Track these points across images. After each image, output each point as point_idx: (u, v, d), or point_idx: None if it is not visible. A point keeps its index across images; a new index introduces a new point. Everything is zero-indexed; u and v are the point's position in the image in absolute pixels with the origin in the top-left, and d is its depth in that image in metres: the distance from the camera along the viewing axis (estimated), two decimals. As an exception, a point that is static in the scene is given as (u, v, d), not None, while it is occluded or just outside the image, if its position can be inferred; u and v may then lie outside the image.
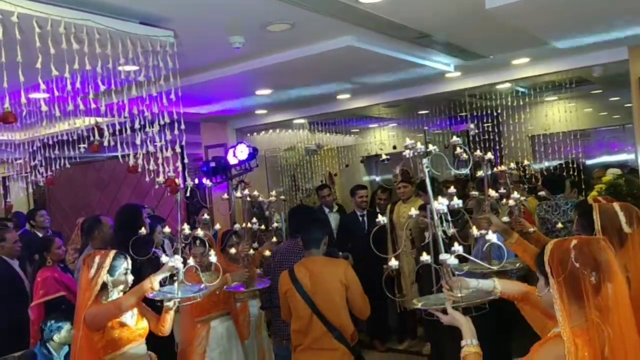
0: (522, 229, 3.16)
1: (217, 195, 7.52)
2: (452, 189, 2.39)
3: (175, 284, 3.04)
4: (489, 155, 2.95)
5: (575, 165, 6.52)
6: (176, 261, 2.95)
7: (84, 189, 8.64)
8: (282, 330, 3.87)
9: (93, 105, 2.84)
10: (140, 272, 3.30)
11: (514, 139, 6.64)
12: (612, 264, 1.69)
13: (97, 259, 3.03)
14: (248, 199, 4.02)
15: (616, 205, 2.56)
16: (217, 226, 3.84)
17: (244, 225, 3.61)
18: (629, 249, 2.44)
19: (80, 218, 6.42)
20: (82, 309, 2.97)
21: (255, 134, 7.99)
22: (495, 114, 6.83)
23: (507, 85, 5.99)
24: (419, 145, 2.37)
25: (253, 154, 6.60)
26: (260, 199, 4.21)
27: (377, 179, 10.06)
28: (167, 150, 2.80)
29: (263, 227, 3.91)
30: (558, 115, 7.00)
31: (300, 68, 4.42)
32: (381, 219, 2.49)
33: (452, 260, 2.09)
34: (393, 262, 2.38)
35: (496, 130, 7.01)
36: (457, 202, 2.20)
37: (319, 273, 3.26)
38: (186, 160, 2.86)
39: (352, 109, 6.65)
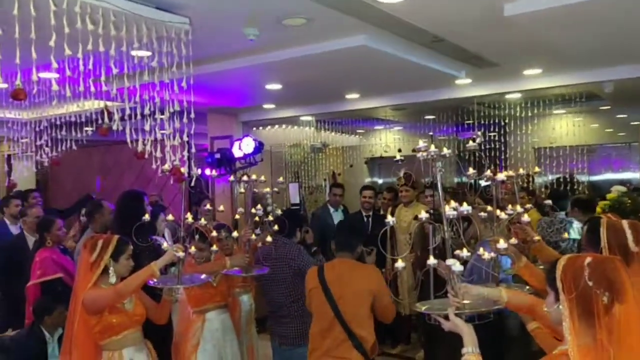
0: (526, 237, 3.11)
1: (220, 187, 7.52)
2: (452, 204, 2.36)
3: (173, 271, 3.04)
4: (502, 175, 2.84)
5: (574, 180, 6.48)
6: (178, 250, 2.95)
7: (87, 171, 8.62)
8: (279, 330, 3.81)
9: (105, 89, 2.82)
10: (139, 259, 3.28)
11: (519, 150, 6.63)
12: (626, 284, 1.66)
13: (99, 243, 3.00)
14: (243, 186, 4.07)
15: (624, 223, 2.53)
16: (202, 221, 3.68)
17: (240, 210, 3.55)
18: (634, 268, 2.42)
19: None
20: (81, 291, 2.95)
21: (261, 128, 7.97)
22: (502, 123, 6.82)
23: (517, 95, 5.98)
24: (432, 148, 2.34)
25: (258, 148, 6.58)
26: (266, 190, 4.21)
27: (380, 181, 10.05)
28: (174, 138, 2.78)
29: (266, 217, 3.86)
30: (566, 129, 6.99)
31: (313, 64, 4.40)
32: (390, 219, 2.37)
33: (457, 266, 2.08)
34: (400, 264, 2.32)
35: (502, 140, 7.00)
36: (467, 209, 2.18)
37: (349, 277, 3.09)
38: (193, 150, 2.83)
39: (360, 109, 6.64)
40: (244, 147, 6.57)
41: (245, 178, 4.29)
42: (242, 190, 3.99)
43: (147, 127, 2.83)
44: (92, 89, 3.10)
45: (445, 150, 2.37)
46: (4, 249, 5.20)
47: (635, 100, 4.86)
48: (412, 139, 8.99)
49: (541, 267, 3.43)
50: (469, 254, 2.27)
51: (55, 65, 2.51)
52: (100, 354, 3.00)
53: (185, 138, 2.80)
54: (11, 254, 5.04)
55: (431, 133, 8.58)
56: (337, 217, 6.52)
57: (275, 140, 8.09)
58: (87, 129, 4.05)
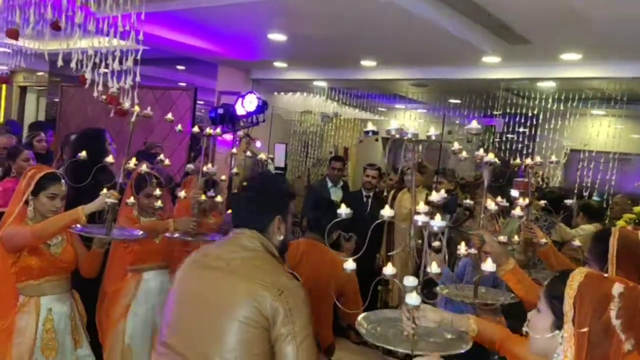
0: (533, 237, 2.63)
1: (223, 146, 7.12)
2: (437, 195, 1.78)
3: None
4: (490, 156, 2.36)
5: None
6: (111, 196, 2.54)
7: (94, 113, 8.35)
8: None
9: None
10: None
11: (546, 147, 5.97)
12: None
13: (29, 174, 2.67)
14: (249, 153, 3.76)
15: None
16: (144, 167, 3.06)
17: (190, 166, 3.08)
18: None
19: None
20: (4, 222, 2.61)
21: (276, 93, 7.52)
22: (531, 114, 6.15)
23: (551, 84, 5.33)
24: (411, 129, 1.82)
25: (262, 107, 6.09)
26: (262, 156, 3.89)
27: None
28: (117, 61, 2.31)
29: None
30: (600, 130, 6.26)
31: (323, 13, 3.88)
32: (387, 213, 1.72)
33: (414, 299, 1.48)
34: (389, 270, 1.65)
35: (529, 133, 6.34)
36: (439, 225, 1.57)
37: (310, 263, 2.68)
38: (138, 79, 2.36)
39: (377, 79, 6.11)
40: (246, 104, 6.09)
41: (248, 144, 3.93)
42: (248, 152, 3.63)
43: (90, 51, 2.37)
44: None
45: (432, 131, 1.85)
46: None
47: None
48: (432, 122, 8.38)
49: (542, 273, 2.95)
50: (438, 270, 1.71)
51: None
52: (18, 297, 2.66)
53: (130, 64, 2.33)
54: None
55: (457, 120, 7.97)
56: (334, 192, 6.11)
57: (286, 105, 7.62)
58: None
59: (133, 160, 2.67)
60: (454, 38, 4.14)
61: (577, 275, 1.27)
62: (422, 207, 1.51)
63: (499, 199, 2.43)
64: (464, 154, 2.15)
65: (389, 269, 1.58)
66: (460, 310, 3.27)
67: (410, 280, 1.48)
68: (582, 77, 4.72)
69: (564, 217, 4.69)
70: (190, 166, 3.14)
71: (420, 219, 1.50)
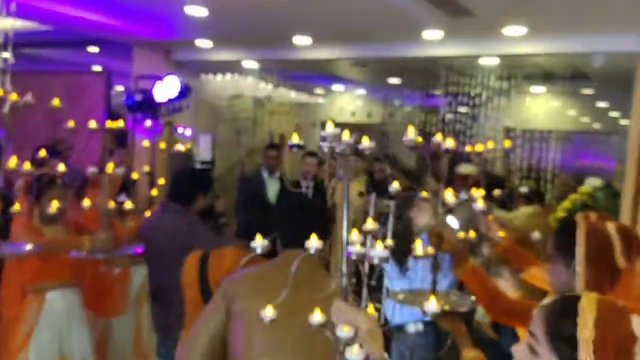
0: (487, 232, 2.31)
1: (143, 136, 6.46)
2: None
3: None
4: (449, 143, 2.00)
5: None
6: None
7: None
8: (161, 321, 2.95)
9: None
10: None
11: (488, 127, 5.77)
12: None
13: None
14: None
15: (610, 227, 1.70)
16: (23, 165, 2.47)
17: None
18: (620, 292, 1.60)
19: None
20: None
21: (202, 75, 6.89)
22: (473, 94, 5.93)
23: (493, 61, 5.08)
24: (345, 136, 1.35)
25: (184, 91, 5.51)
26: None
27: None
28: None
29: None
30: (537, 110, 6.14)
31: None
32: (314, 245, 1.44)
33: (355, 355, 1.07)
34: (317, 319, 1.36)
35: (471, 113, 6.13)
36: (380, 255, 1.19)
37: None
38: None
39: (313, 59, 5.64)
40: (166, 88, 5.48)
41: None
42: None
43: None
44: None
45: (366, 143, 1.40)
46: None
47: (621, 86, 4.06)
48: (374, 104, 8.06)
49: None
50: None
51: None
52: None
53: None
54: None
55: (397, 103, 7.70)
56: (271, 184, 5.67)
57: (215, 91, 7.03)
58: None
59: (13, 160, 2.13)
60: (393, 9, 3.75)
61: (588, 307, 1.00)
62: (355, 236, 1.12)
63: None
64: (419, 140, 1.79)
65: (316, 317, 1.16)
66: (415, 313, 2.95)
67: (345, 332, 1.06)
68: (526, 54, 4.48)
69: (500, 202, 4.50)
70: (94, 169, 2.63)
71: (355, 250, 1.09)
